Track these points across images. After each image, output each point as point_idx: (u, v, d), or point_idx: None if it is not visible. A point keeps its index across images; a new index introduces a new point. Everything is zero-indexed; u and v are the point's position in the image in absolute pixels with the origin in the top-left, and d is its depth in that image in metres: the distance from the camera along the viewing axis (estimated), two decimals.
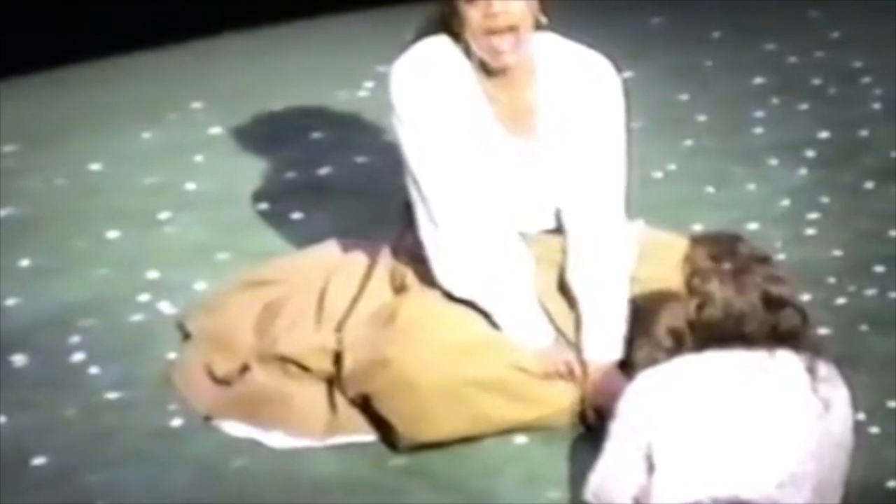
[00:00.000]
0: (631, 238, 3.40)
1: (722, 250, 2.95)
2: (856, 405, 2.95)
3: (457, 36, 3.34)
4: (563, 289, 3.38)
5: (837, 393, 2.93)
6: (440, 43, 3.36)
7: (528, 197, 3.38)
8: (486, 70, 3.33)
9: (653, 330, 2.99)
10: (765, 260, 2.97)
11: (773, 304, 2.93)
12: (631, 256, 3.37)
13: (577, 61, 3.37)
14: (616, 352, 3.31)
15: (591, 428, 3.23)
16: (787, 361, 2.91)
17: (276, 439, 3.33)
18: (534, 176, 3.37)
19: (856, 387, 2.95)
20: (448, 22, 3.32)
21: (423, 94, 3.31)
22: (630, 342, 3.28)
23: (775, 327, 2.92)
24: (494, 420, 3.26)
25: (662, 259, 3.21)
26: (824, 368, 2.92)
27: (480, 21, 3.27)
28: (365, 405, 3.30)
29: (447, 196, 3.30)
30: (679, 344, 2.94)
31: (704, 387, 2.90)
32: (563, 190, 3.38)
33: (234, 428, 3.36)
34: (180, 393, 3.46)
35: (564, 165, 3.37)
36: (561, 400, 3.28)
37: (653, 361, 2.94)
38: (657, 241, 3.40)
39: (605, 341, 3.32)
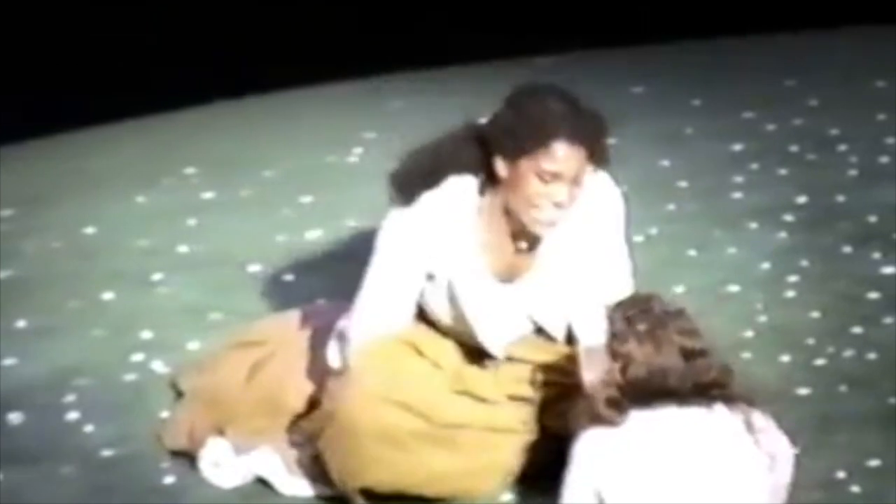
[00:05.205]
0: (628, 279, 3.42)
1: (635, 312, 3.01)
2: (793, 445, 3.01)
3: (487, 178, 3.26)
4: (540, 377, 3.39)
5: (779, 444, 3.00)
6: (452, 193, 3.29)
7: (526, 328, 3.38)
8: (513, 233, 3.28)
9: (590, 401, 3.03)
10: (678, 314, 3.03)
11: (689, 356, 2.99)
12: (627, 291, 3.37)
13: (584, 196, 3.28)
14: (602, 336, 3.26)
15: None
16: (725, 416, 2.97)
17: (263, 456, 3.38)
18: (530, 313, 3.37)
19: (785, 428, 3.00)
20: (483, 168, 3.24)
21: (405, 249, 3.32)
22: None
23: (698, 380, 2.98)
24: (433, 471, 3.28)
25: None
26: (759, 419, 2.98)
27: (538, 186, 3.17)
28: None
29: (373, 316, 3.34)
30: (618, 411, 2.97)
31: (653, 441, 2.95)
32: (569, 309, 3.36)
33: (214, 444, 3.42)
34: (171, 449, 3.49)
35: (567, 289, 3.35)
36: (500, 454, 3.31)
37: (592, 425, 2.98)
38: None
39: (593, 328, 3.27)
